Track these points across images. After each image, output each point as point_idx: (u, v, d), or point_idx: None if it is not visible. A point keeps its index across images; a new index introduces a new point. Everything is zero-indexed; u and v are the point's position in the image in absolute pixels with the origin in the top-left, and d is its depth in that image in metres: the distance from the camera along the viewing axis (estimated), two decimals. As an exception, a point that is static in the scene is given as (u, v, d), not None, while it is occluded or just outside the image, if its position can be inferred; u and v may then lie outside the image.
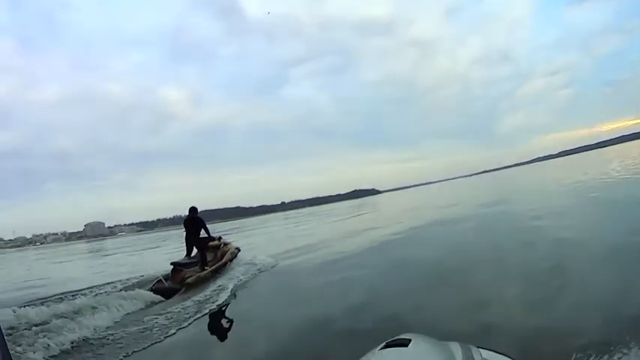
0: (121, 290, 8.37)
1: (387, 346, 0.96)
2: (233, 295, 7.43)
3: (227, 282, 8.29)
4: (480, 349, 1.04)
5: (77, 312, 6.31)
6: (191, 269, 8.96)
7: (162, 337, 5.35)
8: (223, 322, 6.17)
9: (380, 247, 11.10)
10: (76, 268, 20.45)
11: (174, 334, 5.49)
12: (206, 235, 9.68)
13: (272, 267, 9.92)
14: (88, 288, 9.12)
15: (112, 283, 9.54)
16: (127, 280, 9.65)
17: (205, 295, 7.36)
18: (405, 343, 0.95)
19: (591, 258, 5.99)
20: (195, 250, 9.53)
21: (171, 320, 6.05)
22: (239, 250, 10.82)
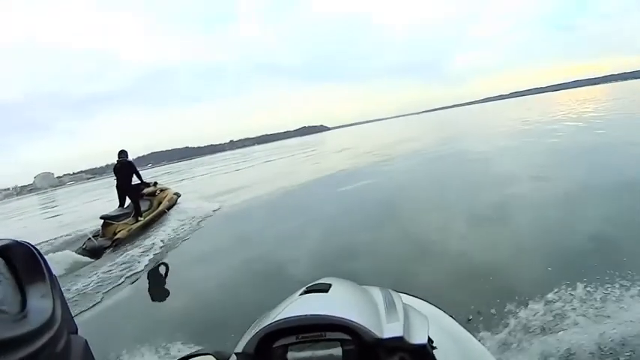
0: (46, 253, 7.26)
1: (307, 292, 0.93)
2: (165, 249, 6.60)
3: (160, 234, 7.41)
4: (400, 294, 1.01)
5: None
6: (123, 222, 7.98)
7: (85, 307, 4.57)
8: (151, 282, 5.38)
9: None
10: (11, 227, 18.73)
11: (99, 302, 4.71)
12: (139, 182, 8.53)
13: (214, 211, 9.05)
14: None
15: (39, 243, 8.32)
16: (55, 239, 8.53)
17: (133, 253, 6.46)
18: (325, 289, 0.93)
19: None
20: (129, 200, 8.46)
21: (95, 285, 5.27)
22: (178, 196, 9.79)
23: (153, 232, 7.67)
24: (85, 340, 0.40)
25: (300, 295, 0.93)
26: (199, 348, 0.94)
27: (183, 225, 8.00)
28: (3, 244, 0.37)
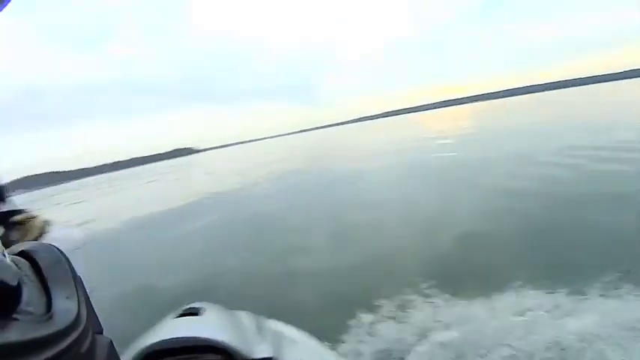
0: None
1: (179, 316, 0.98)
2: None
3: None
4: (269, 320, 1.10)
5: None
6: None
7: None
8: None
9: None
10: None
11: None
12: (7, 210, 8.53)
13: (86, 239, 9.54)
14: None
15: None
16: None
17: None
18: (196, 312, 0.98)
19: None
20: None
21: None
22: (49, 225, 9.86)
23: None
24: (110, 340, 0.40)
25: (173, 319, 0.96)
26: None
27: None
28: (28, 246, 0.39)
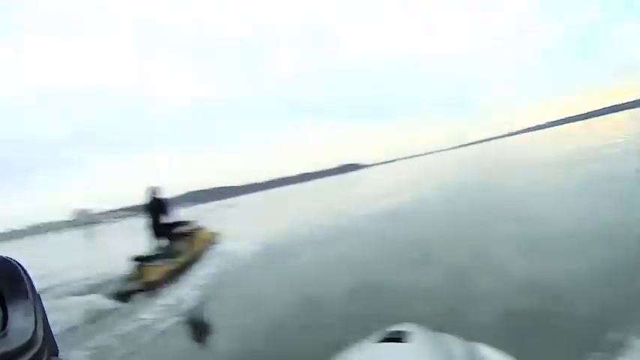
0: (67, 296, 6.56)
1: (381, 340, 0.88)
2: (204, 294, 5.81)
3: (198, 278, 6.63)
4: (481, 346, 0.93)
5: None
6: (156, 263, 7.14)
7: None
8: (189, 330, 4.67)
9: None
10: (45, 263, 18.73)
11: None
12: (173, 221, 7.85)
13: (256, 254, 8.21)
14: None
15: (60, 285, 7.68)
16: (86, 278, 7.86)
17: (168, 299, 5.74)
18: (400, 338, 0.86)
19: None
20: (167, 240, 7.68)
21: (119, 337, 4.49)
22: (218, 235, 9.05)
23: (190, 276, 6.90)
24: None
25: (375, 343, 0.85)
26: None
27: (224, 265, 7.20)
28: None
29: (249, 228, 14.51)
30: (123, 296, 6.35)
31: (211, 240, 8.52)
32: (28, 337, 0.33)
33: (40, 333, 0.35)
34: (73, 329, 4.94)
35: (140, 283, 6.68)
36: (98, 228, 71.49)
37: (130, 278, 6.97)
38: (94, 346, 4.30)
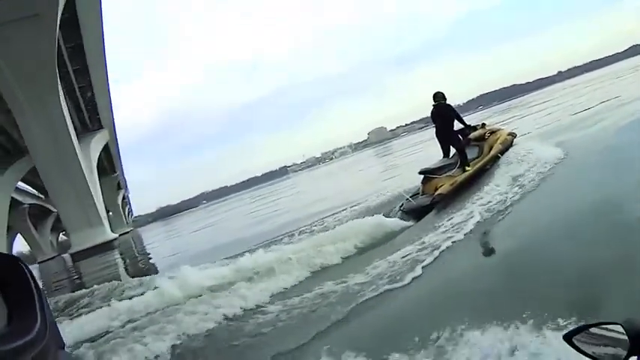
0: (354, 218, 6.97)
1: None
2: (504, 207, 5.15)
3: (495, 187, 5.90)
4: None
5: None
6: (446, 175, 6.73)
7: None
8: (475, 252, 4.41)
9: None
10: (332, 185, 22.52)
11: (407, 284, 3.86)
12: (461, 126, 7.38)
13: (561, 159, 6.56)
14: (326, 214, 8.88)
15: (353, 205, 8.35)
16: (380, 194, 8.20)
17: (461, 213, 5.33)
18: None
19: None
20: (453, 149, 7.29)
21: (404, 260, 4.39)
22: (514, 137, 7.88)
23: (484, 185, 6.19)
24: (72, 356, 0.45)
25: None
26: None
27: (527, 172, 6.18)
28: None
29: (548, 128, 11.93)
30: (414, 212, 6.40)
31: (506, 143, 7.51)
32: (34, 332, 0.33)
33: (46, 328, 0.35)
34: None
35: (429, 197, 6.48)
36: (396, 142, 79.63)
37: (418, 193, 6.87)
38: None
